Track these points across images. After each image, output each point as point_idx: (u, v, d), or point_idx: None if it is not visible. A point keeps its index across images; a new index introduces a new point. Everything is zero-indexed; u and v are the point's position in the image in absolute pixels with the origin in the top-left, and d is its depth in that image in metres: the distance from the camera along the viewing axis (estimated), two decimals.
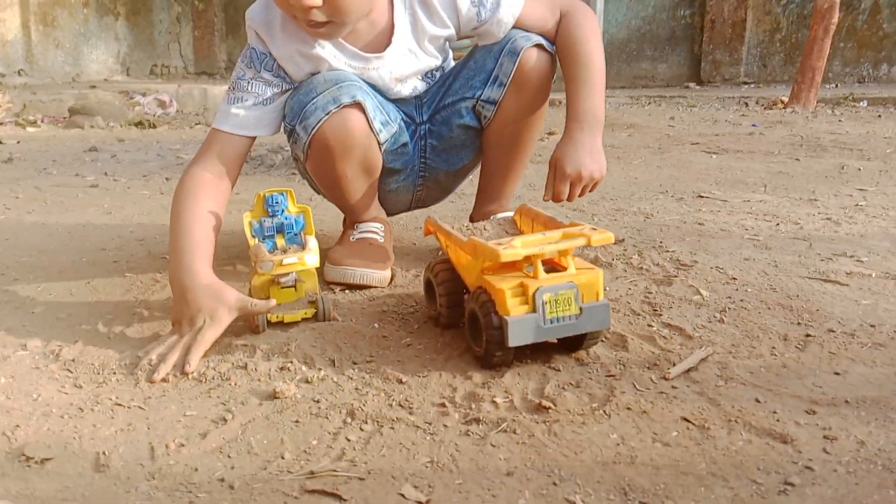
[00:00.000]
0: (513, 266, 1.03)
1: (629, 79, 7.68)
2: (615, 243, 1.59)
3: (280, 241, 1.22)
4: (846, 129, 3.52)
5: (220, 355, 1.07)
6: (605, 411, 0.90)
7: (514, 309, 0.97)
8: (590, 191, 1.29)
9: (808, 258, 1.48)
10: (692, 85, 7.41)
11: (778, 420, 0.87)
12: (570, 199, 1.27)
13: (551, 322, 0.98)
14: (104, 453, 0.82)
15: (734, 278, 1.36)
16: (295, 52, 1.28)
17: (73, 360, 1.07)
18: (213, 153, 1.26)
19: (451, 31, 1.35)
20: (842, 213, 1.85)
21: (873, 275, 1.37)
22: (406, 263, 1.49)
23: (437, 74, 1.41)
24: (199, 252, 1.14)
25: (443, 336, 1.14)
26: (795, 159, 2.73)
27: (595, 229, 1.01)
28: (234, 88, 1.30)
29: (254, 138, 1.30)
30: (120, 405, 0.94)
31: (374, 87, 1.34)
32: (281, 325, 1.18)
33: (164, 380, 1.00)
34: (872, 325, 1.13)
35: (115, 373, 1.03)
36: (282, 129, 1.34)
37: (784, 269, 1.42)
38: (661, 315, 1.20)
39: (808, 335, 1.10)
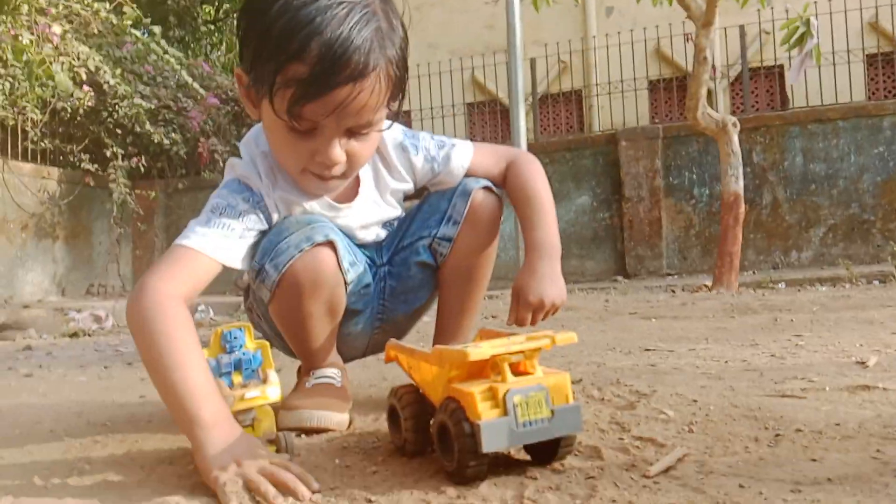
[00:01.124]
0: (480, 373, 1.02)
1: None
2: (573, 383, 1.59)
3: (237, 378, 1.18)
4: (772, 299, 3.72)
5: (168, 494, 0.99)
6: None
7: (485, 413, 0.95)
8: (552, 315, 1.32)
9: (761, 383, 1.51)
10: (620, 278, 7.77)
11: (766, 499, 0.84)
12: (532, 323, 1.30)
13: (524, 426, 0.95)
14: None
15: (695, 400, 1.37)
16: (278, 197, 1.31)
17: None
18: (183, 270, 1.17)
19: (410, 185, 1.44)
20: (784, 352, 1.91)
21: (827, 388, 1.40)
22: (364, 410, 1.44)
23: (396, 223, 1.47)
24: (220, 398, 1.07)
25: (410, 463, 1.08)
26: (731, 317, 2.84)
27: (558, 332, 1.02)
28: (221, 214, 1.25)
29: (222, 268, 1.24)
30: None
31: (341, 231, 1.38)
32: None
33: None
34: (837, 424, 1.14)
35: None
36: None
37: (741, 391, 1.43)
38: (630, 431, 1.18)
39: (777, 434, 1.10)
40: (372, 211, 1.41)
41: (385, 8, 1.16)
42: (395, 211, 1.45)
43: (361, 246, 1.43)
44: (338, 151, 1.18)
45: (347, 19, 1.09)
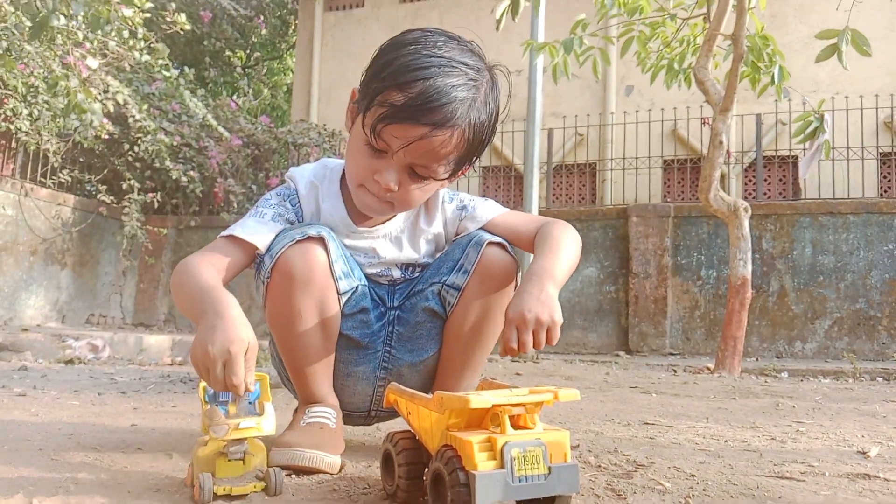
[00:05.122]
0: (479, 423, 1.01)
1: (562, 345, 7.95)
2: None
3: (233, 409, 1.17)
4: (774, 385, 3.68)
5: None
6: None
7: (481, 464, 0.94)
8: (547, 343, 1.21)
9: (760, 464, 1.48)
10: (622, 353, 7.72)
11: None
12: (521, 348, 1.19)
13: (520, 480, 0.94)
14: None
15: (693, 475, 1.34)
16: (315, 196, 1.48)
17: None
18: (217, 252, 1.34)
19: (440, 231, 1.50)
20: (785, 436, 1.89)
21: (827, 474, 1.38)
22: (357, 456, 1.42)
23: (417, 270, 1.50)
24: (228, 295, 1.18)
25: None
26: (732, 398, 2.81)
27: (560, 388, 1.02)
28: (256, 207, 1.45)
29: (255, 250, 1.37)
30: None
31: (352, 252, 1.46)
32: (228, 497, 1.09)
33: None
34: None
35: None
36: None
37: (740, 470, 1.41)
38: (625, 499, 1.16)
39: None
40: (388, 246, 1.47)
41: (488, 90, 1.32)
42: (414, 255, 1.49)
43: (373, 281, 1.47)
44: (393, 179, 1.30)
45: (454, 80, 1.25)
